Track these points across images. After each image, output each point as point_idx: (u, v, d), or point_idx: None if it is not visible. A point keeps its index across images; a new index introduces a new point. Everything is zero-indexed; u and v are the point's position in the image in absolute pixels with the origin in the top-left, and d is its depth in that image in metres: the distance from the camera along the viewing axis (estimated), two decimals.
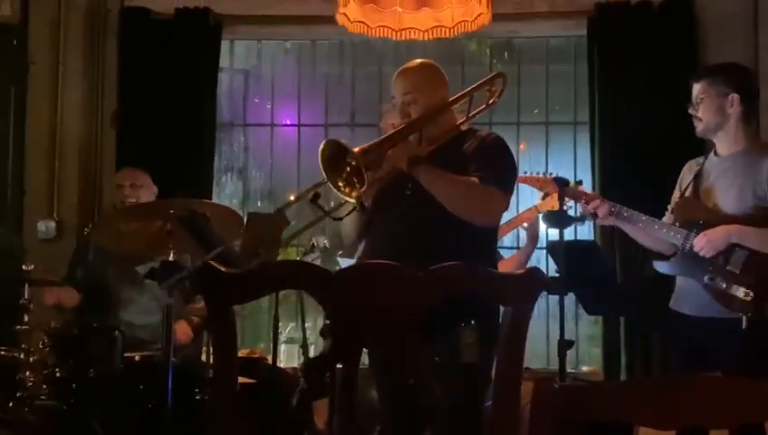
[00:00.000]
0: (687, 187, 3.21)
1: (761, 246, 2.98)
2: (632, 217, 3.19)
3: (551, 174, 3.60)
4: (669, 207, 3.30)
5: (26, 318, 3.21)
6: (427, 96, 2.83)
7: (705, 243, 3.02)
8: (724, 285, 3.00)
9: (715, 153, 3.22)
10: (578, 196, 3.32)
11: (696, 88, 3.17)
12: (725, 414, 1.36)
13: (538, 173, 3.70)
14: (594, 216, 3.28)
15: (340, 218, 2.77)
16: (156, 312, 3.73)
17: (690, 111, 3.18)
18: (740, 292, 2.97)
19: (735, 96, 3.11)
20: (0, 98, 4.76)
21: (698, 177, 3.21)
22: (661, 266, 3.20)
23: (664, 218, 3.26)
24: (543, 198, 3.80)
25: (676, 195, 3.31)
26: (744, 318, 2.91)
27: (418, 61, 2.96)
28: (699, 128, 3.18)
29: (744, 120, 3.14)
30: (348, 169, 2.54)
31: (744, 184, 3.07)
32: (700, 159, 3.28)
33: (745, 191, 3.05)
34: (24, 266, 3.30)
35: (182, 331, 3.78)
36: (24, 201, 4.71)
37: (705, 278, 3.04)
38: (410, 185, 2.72)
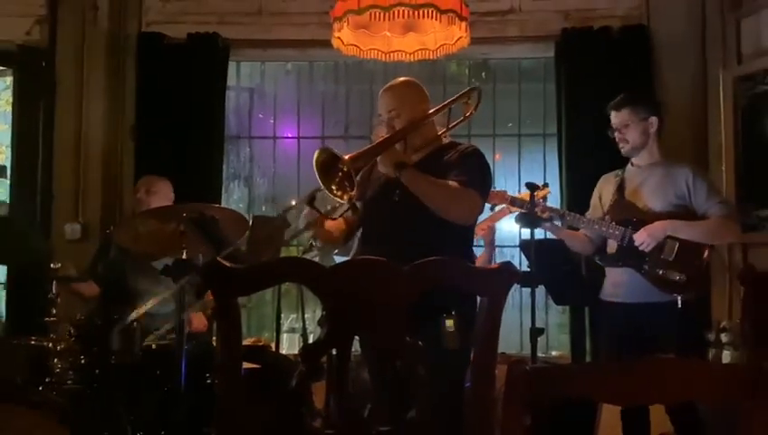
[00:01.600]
0: (614, 194, 3.30)
1: (693, 236, 3.15)
2: (576, 220, 3.28)
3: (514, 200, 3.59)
4: (587, 213, 3.39)
5: (54, 311, 3.18)
6: (409, 110, 2.83)
7: (645, 237, 3.17)
8: (661, 272, 3.11)
9: (632, 164, 3.39)
10: (524, 204, 3.38)
11: (620, 116, 3.34)
12: (677, 391, 1.36)
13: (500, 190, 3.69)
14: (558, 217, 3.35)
15: (335, 218, 2.77)
16: (170, 302, 3.72)
17: (615, 135, 3.35)
18: (674, 276, 3.09)
19: (654, 119, 3.32)
20: (30, 113, 4.73)
21: (621, 185, 3.34)
22: (603, 260, 3.31)
23: None
24: (492, 209, 3.81)
25: (594, 203, 3.43)
26: (678, 299, 3.02)
27: (401, 79, 2.95)
28: (626, 149, 3.36)
29: (658, 136, 3.35)
30: (340, 174, 2.54)
31: (666, 188, 3.24)
32: (617, 172, 3.43)
33: (668, 193, 3.23)
34: (51, 265, 3.28)
35: (199, 321, 3.76)
36: (52, 206, 4.68)
37: (645, 267, 3.15)
38: (398, 192, 2.72)
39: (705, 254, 3.19)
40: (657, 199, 3.24)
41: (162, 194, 3.96)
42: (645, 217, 3.21)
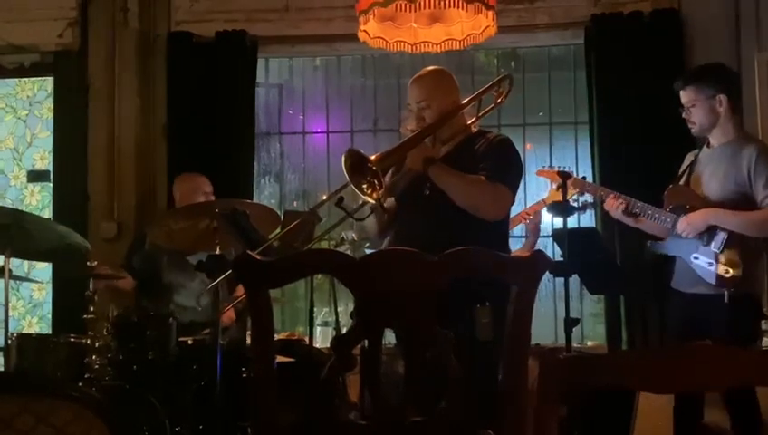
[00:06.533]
0: (683, 175, 3.18)
1: (736, 227, 2.97)
2: (631, 204, 3.17)
3: (559, 167, 3.55)
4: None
5: (92, 308, 3.23)
6: (439, 101, 2.80)
7: (686, 225, 3.03)
8: (708, 264, 2.98)
9: (708, 145, 3.19)
10: (593, 190, 3.32)
11: (685, 95, 3.12)
12: (717, 379, 1.34)
13: (552, 167, 3.65)
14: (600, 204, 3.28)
15: (362, 219, 2.76)
16: (202, 295, 3.75)
17: (684, 115, 3.14)
18: (722, 269, 2.95)
19: (723, 96, 3.08)
20: (64, 115, 4.81)
21: (692, 166, 3.19)
22: (655, 246, 3.20)
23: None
24: (557, 189, 3.76)
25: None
26: (726, 293, 2.88)
27: (430, 68, 2.93)
28: (694, 130, 3.15)
29: (732, 115, 3.11)
30: (368, 174, 2.54)
31: (726, 172, 3.05)
32: (698, 151, 3.24)
33: (728, 179, 3.04)
34: (88, 263, 3.33)
35: (227, 314, 3.79)
36: (88, 205, 4.75)
37: (692, 257, 3.03)
38: (429, 185, 2.71)
39: (757, 248, 3.00)
40: (716, 187, 3.05)
41: (181, 192, 4.00)
42: (698, 205, 3.04)
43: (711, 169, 3.10)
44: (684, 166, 3.25)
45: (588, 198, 3.50)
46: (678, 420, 3.09)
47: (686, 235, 3.03)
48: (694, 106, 3.09)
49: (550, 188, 3.74)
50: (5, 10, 4.70)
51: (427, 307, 1.38)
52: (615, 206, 3.22)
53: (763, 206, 2.96)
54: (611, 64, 4.42)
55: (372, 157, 2.53)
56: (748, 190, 2.99)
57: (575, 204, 3.44)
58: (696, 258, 3.03)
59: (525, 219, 3.93)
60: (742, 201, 2.99)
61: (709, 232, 3.01)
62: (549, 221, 4.42)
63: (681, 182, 3.20)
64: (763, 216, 2.95)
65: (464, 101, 2.87)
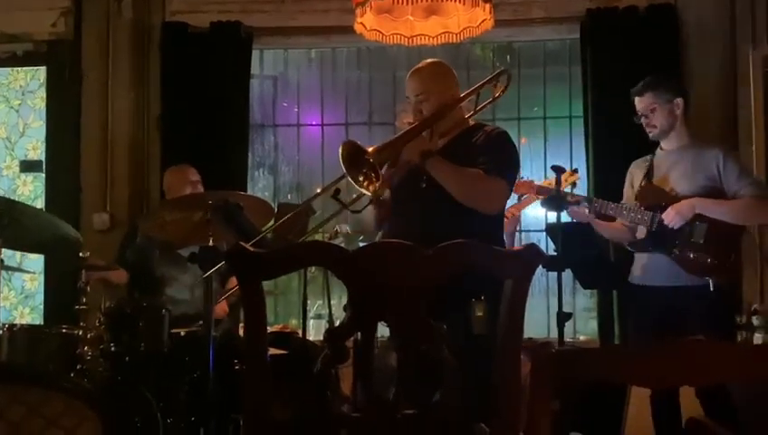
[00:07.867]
0: (642, 180, 3.26)
1: (721, 214, 3.11)
2: (604, 206, 3.25)
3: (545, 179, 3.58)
4: (621, 202, 3.35)
5: (84, 299, 3.22)
6: (437, 94, 2.80)
7: (673, 215, 3.13)
8: (691, 255, 3.07)
9: (661, 148, 3.34)
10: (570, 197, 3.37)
11: (643, 101, 3.30)
12: (708, 373, 1.34)
13: (524, 177, 3.66)
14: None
15: (359, 211, 2.76)
16: (196, 288, 3.74)
17: (641, 121, 3.30)
18: (705, 259, 3.05)
19: (680, 100, 3.27)
20: (57, 105, 4.79)
21: (650, 170, 3.31)
22: (632, 246, 3.28)
23: None
24: (519, 200, 3.78)
25: (627, 191, 3.39)
26: (710, 282, 2.98)
27: (429, 61, 2.93)
28: (654, 133, 3.31)
29: (685, 118, 3.29)
30: (365, 166, 2.53)
31: (695, 171, 3.20)
32: (647, 157, 3.40)
33: (697, 177, 3.19)
34: (81, 254, 3.32)
35: (219, 307, 3.78)
36: (80, 197, 4.73)
37: (675, 251, 3.11)
38: (425, 178, 2.71)
39: (737, 237, 3.13)
40: (686, 184, 3.19)
41: (169, 185, 4.00)
42: (673, 202, 3.17)
43: (679, 170, 3.24)
44: (638, 172, 3.37)
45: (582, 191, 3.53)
46: (656, 412, 3.15)
47: (673, 224, 3.12)
48: (654, 110, 3.26)
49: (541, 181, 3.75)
50: None
51: (421, 300, 1.38)
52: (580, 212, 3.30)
53: (740, 196, 3.12)
54: (607, 59, 4.42)
55: (369, 149, 2.53)
56: (718, 185, 3.15)
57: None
58: (678, 251, 3.11)
59: (514, 214, 3.92)
60: (714, 194, 3.14)
61: (691, 224, 3.12)
62: (542, 216, 4.43)
63: (644, 185, 3.29)
64: (745, 202, 3.11)
65: (461, 95, 2.87)
